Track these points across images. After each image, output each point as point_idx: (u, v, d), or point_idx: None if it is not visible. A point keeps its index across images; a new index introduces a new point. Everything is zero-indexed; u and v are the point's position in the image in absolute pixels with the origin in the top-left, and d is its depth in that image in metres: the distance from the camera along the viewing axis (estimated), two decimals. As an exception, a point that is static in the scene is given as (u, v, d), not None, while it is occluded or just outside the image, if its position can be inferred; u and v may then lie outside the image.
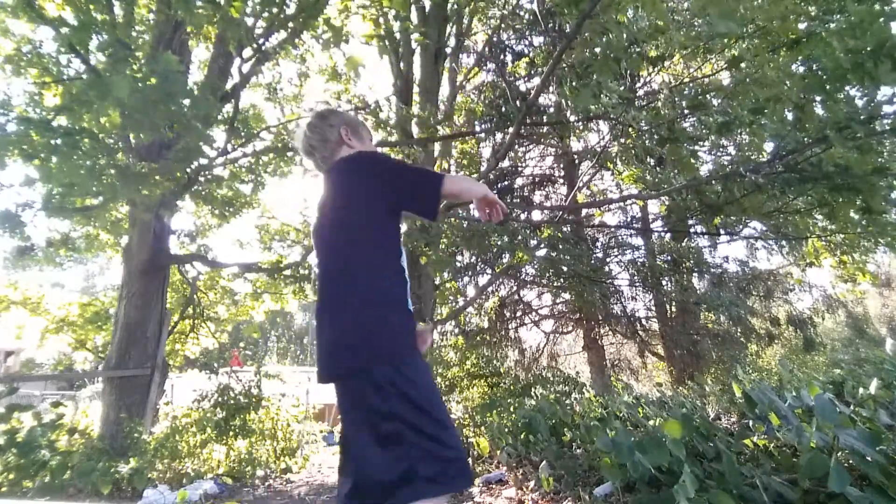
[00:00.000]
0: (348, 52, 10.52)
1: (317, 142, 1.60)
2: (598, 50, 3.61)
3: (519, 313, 9.51)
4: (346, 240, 1.36)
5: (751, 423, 2.36)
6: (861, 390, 2.66)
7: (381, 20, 9.20)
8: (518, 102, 7.35)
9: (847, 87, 3.48)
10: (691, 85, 6.88)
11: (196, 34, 6.33)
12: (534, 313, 9.69)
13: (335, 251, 1.38)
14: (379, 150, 1.59)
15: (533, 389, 6.03)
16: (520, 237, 7.23)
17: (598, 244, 9.32)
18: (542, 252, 7.65)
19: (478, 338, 8.66)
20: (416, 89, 8.87)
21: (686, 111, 5.51)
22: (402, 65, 8.88)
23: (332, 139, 1.59)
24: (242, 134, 5.68)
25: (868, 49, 2.88)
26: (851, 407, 2.30)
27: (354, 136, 1.61)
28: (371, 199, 1.37)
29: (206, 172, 5.61)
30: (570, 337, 10.86)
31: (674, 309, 9.32)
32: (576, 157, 9.41)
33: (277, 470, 5.44)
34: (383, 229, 1.38)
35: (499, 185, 9.42)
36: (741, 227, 7.68)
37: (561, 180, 9.92)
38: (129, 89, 3.25)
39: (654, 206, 9.65)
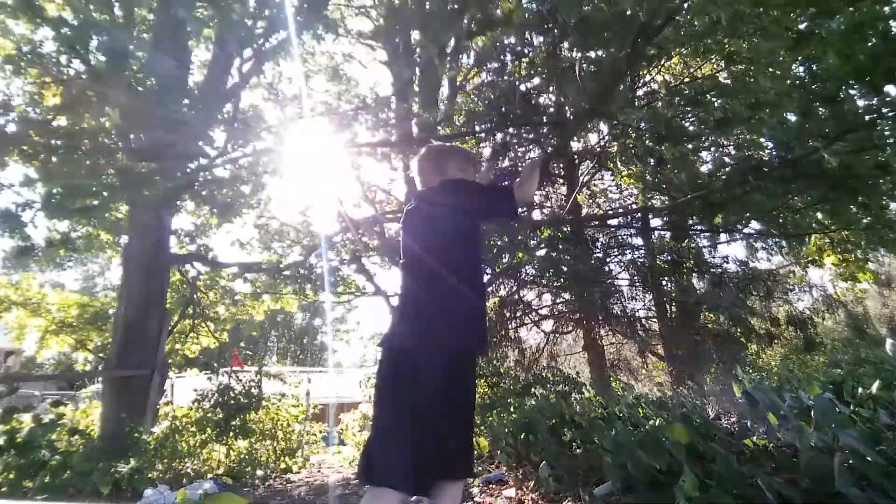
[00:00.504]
0: (348, 51, 10.52)
1: (427, 171, 1.91)
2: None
3: (519, 313, 9.50)
4: (446, 247, 1.63)
5: (748, 422, 2.36)
6: (861, 390, 2.66)
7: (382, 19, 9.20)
8: (518, 102, 7.35)
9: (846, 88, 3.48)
10: (691, 85, 6.88)
11: (196, 36, 6.33)
12: (534, 313, 9.68)
13: (431, 254, 1.62)
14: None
15: (533, 389, 6.02)
16: (520, 237, 7.22)
17: (598, 244, 9.31)
18: (542, 252, 7.64)
19: (478, 338, 8.63)
20: (416, 89, 8.86)
21: (686, 109, 5.51)
22: (402, 64, 8.87)
23: (439, 171, 1.88)
24: (242, 134, 5.68)
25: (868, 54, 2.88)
26: (851, 407, 2.30)
27: (460, 171, 1.89)
28: (460, 216, 1.69)
29: (206, 172, 5.61)
30: (570, 337, 10.85)
31: (674, 309, 9.31)
32: (576, 157, 9.41)
33: (277, 470, 5.44)
34: (471, 239, 1.72)
35: (499, 186, 9.41)
36: (742, 226, 7.68)
37: (561, 180, 9.91)
38: (127, 92, 3.25)
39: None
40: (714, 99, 5.48)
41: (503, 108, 7.72)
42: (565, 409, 3.68)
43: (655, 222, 9.62)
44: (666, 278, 8.55)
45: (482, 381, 7.21)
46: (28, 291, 7.61)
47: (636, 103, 7.33)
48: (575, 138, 8.50)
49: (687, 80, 6.98)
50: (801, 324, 8.80)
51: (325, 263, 7.22)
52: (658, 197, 8.51)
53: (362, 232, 8.55)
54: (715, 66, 6.99)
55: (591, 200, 9.85)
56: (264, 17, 4.83)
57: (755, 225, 7.62)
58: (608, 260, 8.94)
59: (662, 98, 5.72)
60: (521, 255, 7.03)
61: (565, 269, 7.46)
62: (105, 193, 4.62)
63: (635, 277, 8.80)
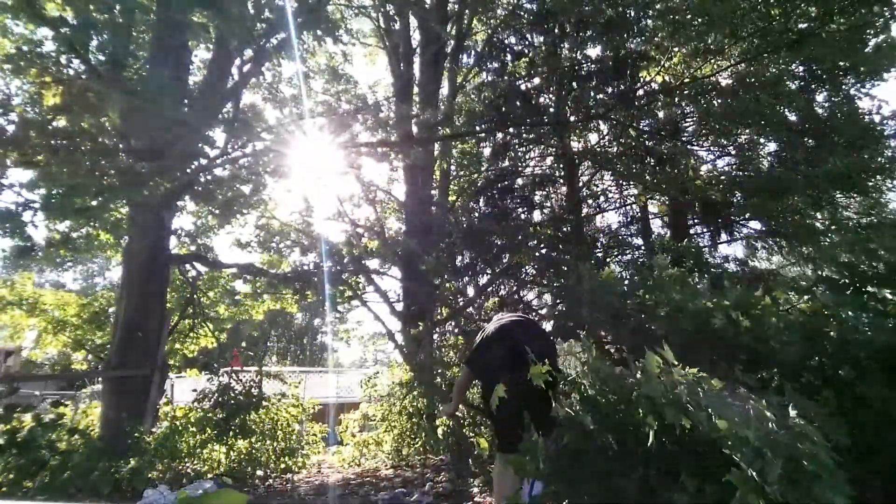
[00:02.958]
0: (348, 51, 10.52)
1: None
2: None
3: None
4: None
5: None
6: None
7: (382, 20, 9.19)
8: (518, 102, 7.35)
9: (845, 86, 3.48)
10: (692, 85, 6.88)
11: (196, 37, 6.33)
12: (534, 313, 9.67)
13: None
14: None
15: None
16: (520, 237, 7.22)
17: (598, 244, 9.30)
18: (542, 251, 7.64)
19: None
20: (416, 89, 8.86)
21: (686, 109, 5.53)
22: (401, 65, 8.87)
23: None
24: (242, 134, 5.67)
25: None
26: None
27: None
28: None
29: (206, 173, 5.61)
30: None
31: (674, 309, 9.29)
32: (576, 157, 9.40)
33: (277, 470, 5.44)
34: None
35: (499, 185, 9.40)
36: (741, 226, 7.70)
37: (561, 180, 9.90)
38: (127, 92, 3.25)
39: (654, 207, 9.63)
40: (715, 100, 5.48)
41: (503, 108, 7.71)
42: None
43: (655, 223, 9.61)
44: (666, 278, 8.54)
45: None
46: (24, 291, 7.59)
47: (636, 103, 7.34)
48: (575, 138, 8.50)
49: (687, 80, 6.97)
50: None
51: (325, 266, 7.21)
52: (658, 197, 8.51)
53: (362, 232, 8.55)
54: (715, 66, 6.99)
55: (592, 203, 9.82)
56: (264, 19, 4.82)
57: (755, 226, 7.63)
58: (608, 260, 8.93)
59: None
60: (521, 252, 7.03)
61: (565, 269, 7.46)
62: (105, 193, 4.61)
63: (635, 277, 8.78)
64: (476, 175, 9.27)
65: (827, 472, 1.21)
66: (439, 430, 5.39)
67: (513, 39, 9.46)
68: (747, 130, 7.19)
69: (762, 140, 7.51)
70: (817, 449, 1.24)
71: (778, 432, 1.27)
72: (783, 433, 1.27)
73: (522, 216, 9.46)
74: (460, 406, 3.31)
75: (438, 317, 7.90)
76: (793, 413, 1.36)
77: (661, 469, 1.51)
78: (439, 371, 5.86)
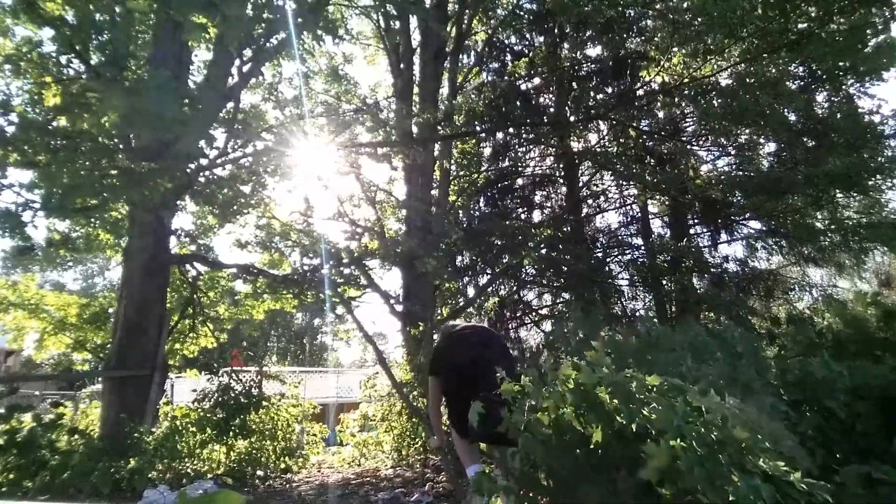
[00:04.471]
0: (348, 52, 10.54)
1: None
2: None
3: (519, 313, 9.50)
4: None
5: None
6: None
7: (382, 20, 9.19)
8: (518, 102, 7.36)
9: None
10: (692, 85, 6.88)
11: (196, 37, 6.32)
12: (534, 313, 9.68)
13: None
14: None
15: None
16: (520, 237, 7.23)
17: (599, 244, 9.30)
18: (542, 251, 7.65)
19: (478, 338, 8.60)
20: (416, 89, 8.86)
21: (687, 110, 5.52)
22: (401, 65, 8.87)
23: None
24: (242, 134, 5.66)
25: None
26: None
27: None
28: None
29: (206, 172, 5.61)
30: (571, 337, 10.80)
31: (674, 309, 9.30)
32: (576, 157, 9.41)
33: (277, 470, 5.44)
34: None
35: (499, 185, 9.40)
36: (741, 226, 7.70)
37: (561, 180, 9.90)
38: (127, 92, 3.25)
39: (654, 207, 9.64)
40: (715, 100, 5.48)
41: (503, 108, 7.72)
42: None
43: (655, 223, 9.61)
44: (666, 278, 8.55)
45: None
46: (26, 292, 7.59)
47: (636, 103, 7.34)
48: (575, 138, 8.50)
49: (687, 80, 6.97)
50: (802, 323, 8.78)
51: (325, 267, 7.20)
52: (658, 197, 8.51)
53: (362, 232, 8.55)
54: (715, 66, 6.98)
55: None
56: (263, 20, 4.82)
57: (755, 226, 7.64)
58: (608, 260, 8.93)
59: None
60: (521, 250, 7.02)
61: (565, 269, 7.46)
62: (105, 193, 4.62)
63: (635, 277, 8.79)
64: (476, 175, 9.27)
65: (776, 445, 1.21)
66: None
67: (513, 39, 9.47)
68: (747, 130, 7.19)
69: (762, 140, 7.51)
70: (773, 425, 1.25)
71: (711, 413, 1.30)
72: (716, 415, 1.29)
73: (522, 216, 9.47)
74: (444, 429, 3.28)
75: (439, 316, 7.90)
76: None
77: (623, 470, 1.52)
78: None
